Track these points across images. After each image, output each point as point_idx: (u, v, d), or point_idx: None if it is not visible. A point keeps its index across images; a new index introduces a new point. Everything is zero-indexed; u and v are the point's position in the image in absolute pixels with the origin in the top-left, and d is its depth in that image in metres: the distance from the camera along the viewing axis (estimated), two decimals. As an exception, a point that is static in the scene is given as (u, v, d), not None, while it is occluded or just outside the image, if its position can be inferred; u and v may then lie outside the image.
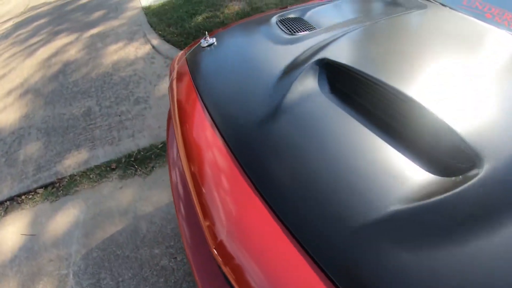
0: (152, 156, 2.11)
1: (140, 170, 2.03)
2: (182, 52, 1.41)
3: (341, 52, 0.97)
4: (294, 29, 1.23)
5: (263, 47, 1.16)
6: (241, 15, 3.52)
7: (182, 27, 3.58)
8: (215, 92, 1.01)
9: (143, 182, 1.97)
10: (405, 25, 1.18)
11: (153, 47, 3.48)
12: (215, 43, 1.27)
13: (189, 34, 3.41)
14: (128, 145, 2.24)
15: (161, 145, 2.18)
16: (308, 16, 1.36)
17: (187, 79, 1.12)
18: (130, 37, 3.82)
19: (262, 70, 1.02)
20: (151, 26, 3.87)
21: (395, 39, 1.06)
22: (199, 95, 1.01)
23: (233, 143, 0.80)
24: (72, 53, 3.76)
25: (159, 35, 3.64)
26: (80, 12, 5.08)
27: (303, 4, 1.63)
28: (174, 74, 1.21)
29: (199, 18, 3.66)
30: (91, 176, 2.09)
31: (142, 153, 2.15)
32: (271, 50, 1.12)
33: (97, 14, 4.81)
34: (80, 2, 5.60)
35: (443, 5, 1.45)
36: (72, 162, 2.22)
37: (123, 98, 2.74)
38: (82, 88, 3.02)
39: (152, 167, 2.05)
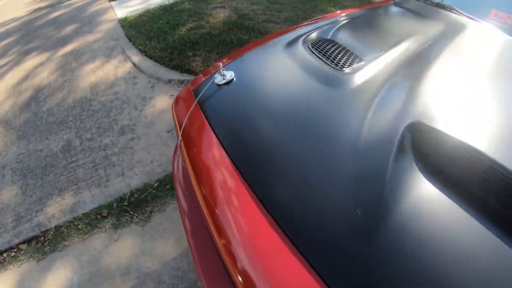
0: (148, 198, 1.88)
1: (136, 217, 1.80)
2: (184, 89, 1.15)
3: (431, 111, 0.74)
4: (335, 58, 1.00)
5: (308, 87, 0.90)
6: (229, 24, 3.30)
7: (165, 41, 3.31)
8: (255, 158, 0.76)
9: (142, 231, 1.73)
10: (473, 59, 0.98)
11: (134, 64, 3.21)
12: (235, 79, 1.02)
13: (174, 48, 3.15)
14: (119, 186, 1.99)
15: (156, 184, 1.94)
16: (341, 38, 1.15)
17: (208, 135, 0.87)
18: (108, 54, 3.51)
19: (318, 125, 0.77)
20: (130, 40, 3.59)
21: (478, 84, 0.86)
22: (232, 160, 0.77)
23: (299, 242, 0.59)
24: (45, 75, 3.42)
25: (140, 50, 3.36)
26: (50, 27, 4.70)
27: (322, 19, 1.43)
28: (184, 126, 0.95)
29: (183, 30, 3.40)
30: (80, 226, 1.83)
31: (135, 195, 1.90)
32: (323, 94, 0.86)
33: (69, 28, 4.44)
34: (51, 16, 5.20)
35: (472, 18, 1.31)
36: (56, 210, 1.95)
37: (106, 128, 2.47)
38: (58, 118, 2.72)
39: (150, 212, 1.81)
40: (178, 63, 2.97)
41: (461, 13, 1.30)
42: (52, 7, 5.77)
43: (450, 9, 1.33)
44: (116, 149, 2.25)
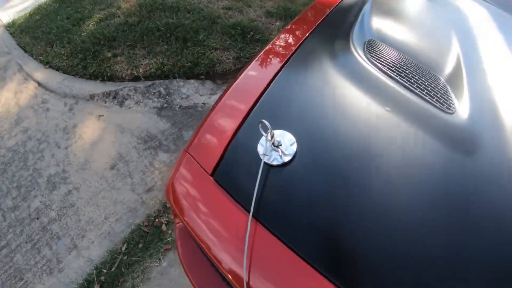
0: (122, 269, 1.47)
1: (115, 302, 1.40)
2: (191, 174, 0.66)
3: None
4: (427, 88, 0.75)
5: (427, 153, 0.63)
6: (147, 7, 2.64)
7: (71, 42, 2.58)
8: None
9: (128, 319, 1.36)
10: None
11: (39, 83, 2.48)
12: (298, 149, 0.60)
13: (85, 50, 2.47)
14: (77, 265, 1.53)
15: (124, 248, 1.53)
16: (397, 43, 0.92)
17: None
18: (1, 77, 2.69)
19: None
20: (26, 51, 2.77)
21: None
22: None
23: None
24: None
25: (41, 62, 2.61)
26: None
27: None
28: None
29: (91, 24, 2.66)
30: (42, 335, 1.40)
31: (103, 270, 1.48)
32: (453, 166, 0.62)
33: None
34: None
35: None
36: (2, 321, 1.47)
37: (29, 185, 1.88)
38: (-40, 184, 2.04)
39: (132, 287, 1.42)
40: (97, 70, 2.35)
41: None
42: None
43: None
44: (53, 213, 1.73)
